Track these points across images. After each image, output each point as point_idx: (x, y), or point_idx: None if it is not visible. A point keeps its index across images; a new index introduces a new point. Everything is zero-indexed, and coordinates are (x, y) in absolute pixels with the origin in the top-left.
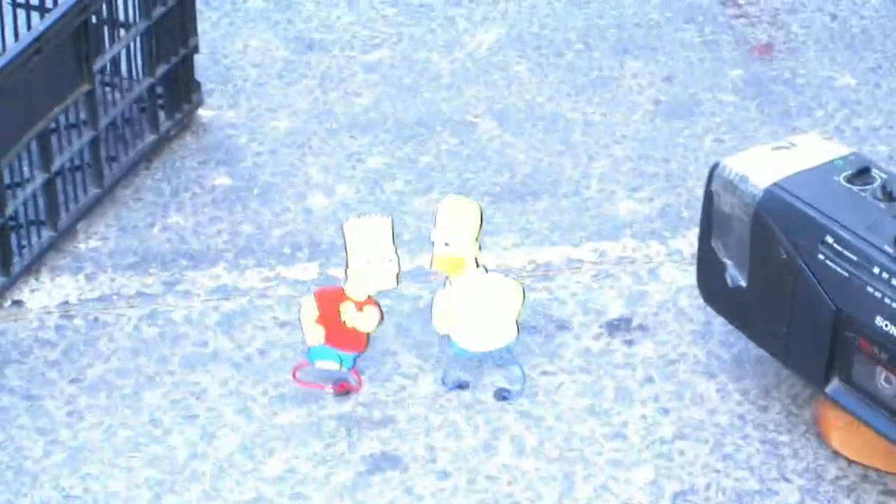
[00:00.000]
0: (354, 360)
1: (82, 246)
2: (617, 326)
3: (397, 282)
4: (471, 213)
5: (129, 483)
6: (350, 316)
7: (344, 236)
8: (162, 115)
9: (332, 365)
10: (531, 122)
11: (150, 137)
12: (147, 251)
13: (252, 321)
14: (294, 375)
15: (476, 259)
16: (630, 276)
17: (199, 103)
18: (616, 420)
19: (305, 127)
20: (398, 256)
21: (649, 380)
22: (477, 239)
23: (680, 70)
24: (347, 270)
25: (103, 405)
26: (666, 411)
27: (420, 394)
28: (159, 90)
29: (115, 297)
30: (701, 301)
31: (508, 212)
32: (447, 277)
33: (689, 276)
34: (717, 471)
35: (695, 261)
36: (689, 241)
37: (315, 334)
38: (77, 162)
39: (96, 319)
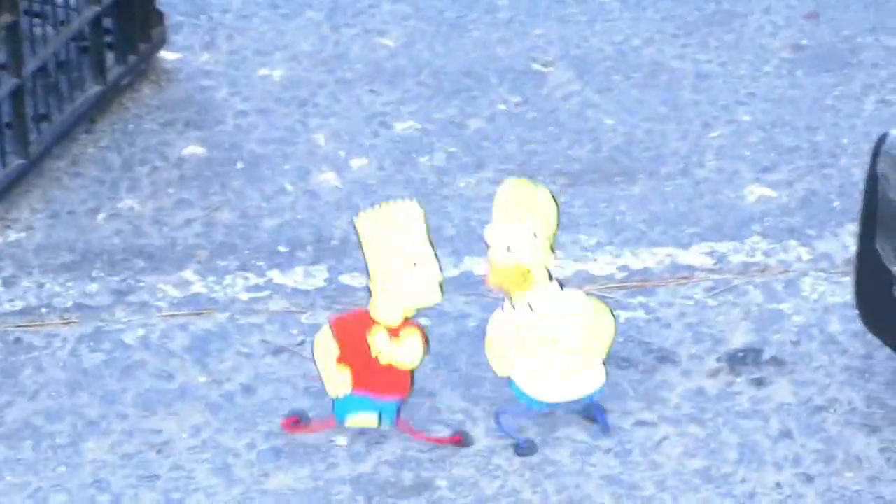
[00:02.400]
0: (398, 409)
1: None
2: (742, 360)
3: (441, 293)
4: (541, 205)
5: None
6: (383, 347)
7: (358, 235)
8: (110, 57)
9: (368, 420)
10: (622, 73)
11: (94, 89)
12: (89, 247)
13: (234, 346)
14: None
15: (548, 270)
16: (760, 290)
17: (162, 43)
18: (740, 489)
19: (309, 77)
20: (437, 258)
21: (786, 434)
22: (550, 241)
23: (829, 4)
24: (370, 283)
25: (28, 460)
26: (809, 478)
27: (468, 450)
28: (107, 24)
29: (44, 311)
30: (859, 325)
31: (591, 199)
32: (508, 295)
33: (844, 291)
34: None
35: (851, 270)
36: (842, 243)
37: (339, 381)
38: None
39: (18, 341)
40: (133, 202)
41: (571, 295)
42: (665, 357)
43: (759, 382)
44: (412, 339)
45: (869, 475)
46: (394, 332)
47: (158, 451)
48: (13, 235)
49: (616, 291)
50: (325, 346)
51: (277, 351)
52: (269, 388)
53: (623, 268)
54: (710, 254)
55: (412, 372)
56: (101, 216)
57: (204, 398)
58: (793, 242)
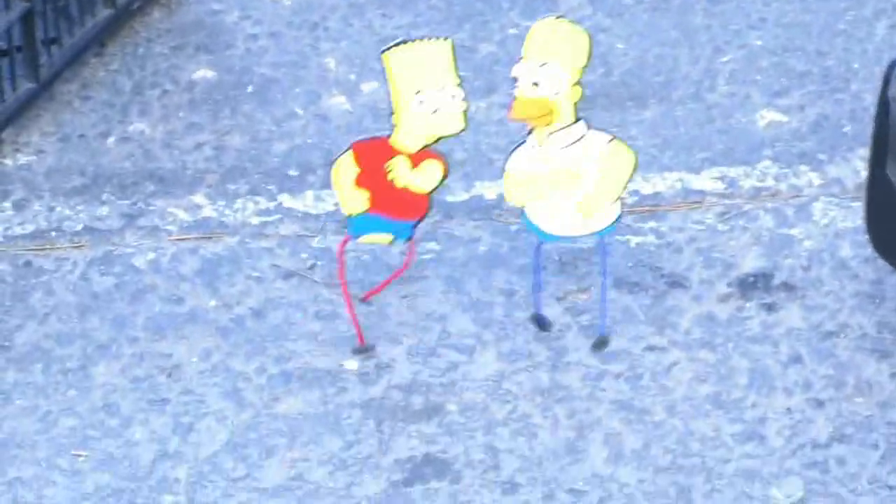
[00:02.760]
0: (412, 230)
1: (9, 162)
2: (752, 285)
3: (464, 123)
4: (575, 43)
5: (73, 493)
6: (402, 174)
7: (385, 69)
8: None
9: (382, 238)
10: None
11: (105, 12)
12: (99, 171)
13: (244, 270)
14: (341, 250)
15: (575, 107)
16: (771, 216)
17: None
18: (750, 415)
19: (320, 0)
20: (462, 90)
21: (797, 359)
22: (579, 81)
23: None
24: (394, 114)
25: (38, 383)
26: (820, 403)
27: (478, 374)
28: None
29: (54, 234)
30: (870, 250)
31: (602, 123)
32: (531, 129)
33: (855, 216)
34: (892, 487)
35: (862, 195)
36: (853, 168)
37: (355, 200)
38: (3, 45)
39: (28, 264)
40: (143, 126)
41: (594, 135)
42: (675, 282)
43: (770, 307)
44: (431, 166)
45: (879, 400)
46: (414, 160)
47: (168, 375)
48: (23, 159)
49: (627, 216)
50: (345, 168)
51: (288, 275)
52: (280, 313)
53: (634, 192)
54: (721, 178)
55: (430, 195)
56: (111, 140)
57: (214, 322)
58: (804, 167)
